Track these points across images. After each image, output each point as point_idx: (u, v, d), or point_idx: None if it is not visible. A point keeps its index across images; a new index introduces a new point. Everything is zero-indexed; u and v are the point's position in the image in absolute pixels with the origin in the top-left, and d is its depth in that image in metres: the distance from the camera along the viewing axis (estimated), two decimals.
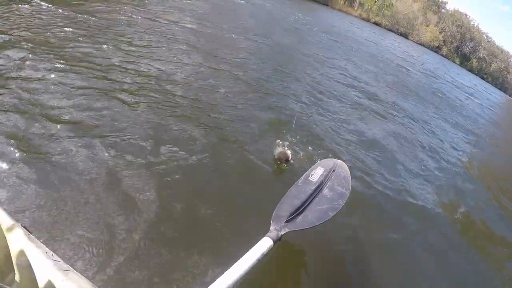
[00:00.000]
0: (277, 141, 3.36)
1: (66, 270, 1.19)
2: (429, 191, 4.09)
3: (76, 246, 1.89)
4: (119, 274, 1.82)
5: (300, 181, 2.38)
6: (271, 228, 1.98)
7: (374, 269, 2.53)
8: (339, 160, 2.60)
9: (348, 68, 9.01)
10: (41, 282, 1.16)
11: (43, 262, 1.16)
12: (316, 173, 2.43)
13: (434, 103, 10.03)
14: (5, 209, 1.24)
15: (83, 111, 2.88)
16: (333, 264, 2.40)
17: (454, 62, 40.48)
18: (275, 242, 1.88)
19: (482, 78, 40.44)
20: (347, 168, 2.53)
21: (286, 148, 3.15)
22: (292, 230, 1.99)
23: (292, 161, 3.14)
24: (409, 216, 3.34)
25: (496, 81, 41.94)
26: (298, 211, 2.13)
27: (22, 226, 1.23)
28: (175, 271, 1.94)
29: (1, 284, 0.83)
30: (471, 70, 40.68)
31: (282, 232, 1.95)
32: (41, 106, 2.77)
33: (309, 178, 2.39)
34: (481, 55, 43.84)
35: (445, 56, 40.54)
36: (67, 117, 2.75)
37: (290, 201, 2.18)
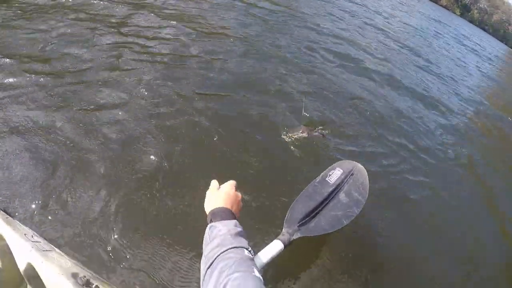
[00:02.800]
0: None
1: (47, 250, 1.15)
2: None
3: (59, 223, 1.82)
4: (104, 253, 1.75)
5: (317, 181, 2.27)
6: (284, 230, 1.88)
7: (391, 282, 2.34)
8: (358, 164, 2.46)
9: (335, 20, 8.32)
10: (21, 265, 1.12)
11: (22, 245, 1.13)
12: (334, 174, 2.32)
13: (432, 56, 9.35)
14: None
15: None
16: (344, 272, 2.21)
17: (454, 12, 38.68)
18: (286, 246, 1.77)
19: (484, 29, 38.11)
20: (366, 173, 2.40)
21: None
22: (304, 236, 1.88)
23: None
24: (436, 217, 3.07)
25: (497, 32, 39.65)
26: (312, 213, 2.02)
27: (0, 209, 1.21)
28: (166, 262, 1.84)
29: None
30: (472, 21, 38.81)
31: (294, 237, 1.85)
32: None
33: (326, 178, 2.28)
34: (482, 6, 42.10)
35: (445, 7, 38.37)
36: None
37: (305, 201, 2.07)
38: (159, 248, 1.88)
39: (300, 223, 1.94)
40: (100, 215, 1.95)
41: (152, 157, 2.42)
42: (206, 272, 0.93)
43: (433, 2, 36.23)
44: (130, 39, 3.93)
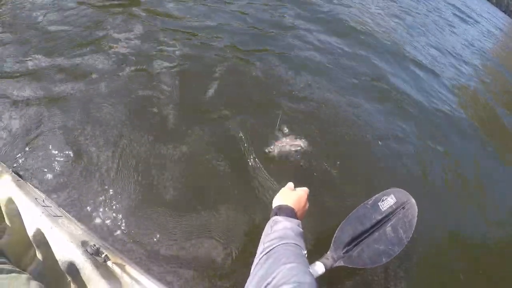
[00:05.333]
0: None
1: (57, 216, 1.08)
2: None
3: (73, 189, 1.84)
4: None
5: (369, 203, 2.17)
6: (329, 254, 1.85)
7: None
8: (412, 199, 2.30)
9: None
10: (30, 230, 1.06)
11: (32, 210, 1.07)
12: (387, 202, 2.21)
13: (425, 25, 8.46)
14: None
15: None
16: None
17: None
18: (327, 270, 1.74)
19: None
20: (416, 211, 2.25)
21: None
22: (346, 265, 1.84)
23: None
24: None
25: (501, 2, 35.96)
26: (358, 239, 2.00)
27: (12, 171, 1.17)
28: (177, 237, 1.83)
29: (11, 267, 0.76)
30: None
31: (337, 264, 1.81)
32: None
33: (379, 203, 2.18)
34: None
35: None
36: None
37: (354, 223, 2.06)
38: (170, 223, 1.87)
39: (346, 249, 1.90)
40: (116, 186, 1.94)
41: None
42: (261, 257, 0.96)
43: None
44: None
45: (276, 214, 1.20)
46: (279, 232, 1.07)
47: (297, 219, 1.21)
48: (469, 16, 13.41)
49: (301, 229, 1.14)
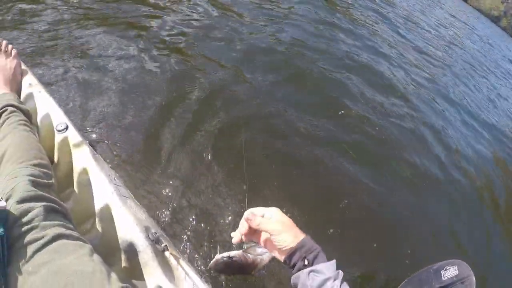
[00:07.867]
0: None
1: (125, 197, 1.14)
2: None
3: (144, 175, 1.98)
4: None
5: (433, 268, 2.19)
6: None
7: None
8: (473, 276, 2.38)
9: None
10: (98, 204, 1.10)
11: (104, 185, 1.11)
12: (450, 272, 2.21)
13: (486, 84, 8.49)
14: (75, 125, 1.23)
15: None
16: None
17: None
18: None
19: None
20: None
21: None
22: None
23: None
24: None
25: None
26: None
27: (89, 144, 1.20)
28: None
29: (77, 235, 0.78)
30: None
31: None
32: None
33: (441, 271, 2.21)
34: None
35: (504, 29, 35.55)
36: None
37: (414, 286, 2.11)
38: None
39: None
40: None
41: None
42: None
43: (493, 22, 35.31)
44: None
45: (304, 260, 0.86)
46: None
47: (320, 249, 0.88)
48: None
49: (340, 271, 0.84)
